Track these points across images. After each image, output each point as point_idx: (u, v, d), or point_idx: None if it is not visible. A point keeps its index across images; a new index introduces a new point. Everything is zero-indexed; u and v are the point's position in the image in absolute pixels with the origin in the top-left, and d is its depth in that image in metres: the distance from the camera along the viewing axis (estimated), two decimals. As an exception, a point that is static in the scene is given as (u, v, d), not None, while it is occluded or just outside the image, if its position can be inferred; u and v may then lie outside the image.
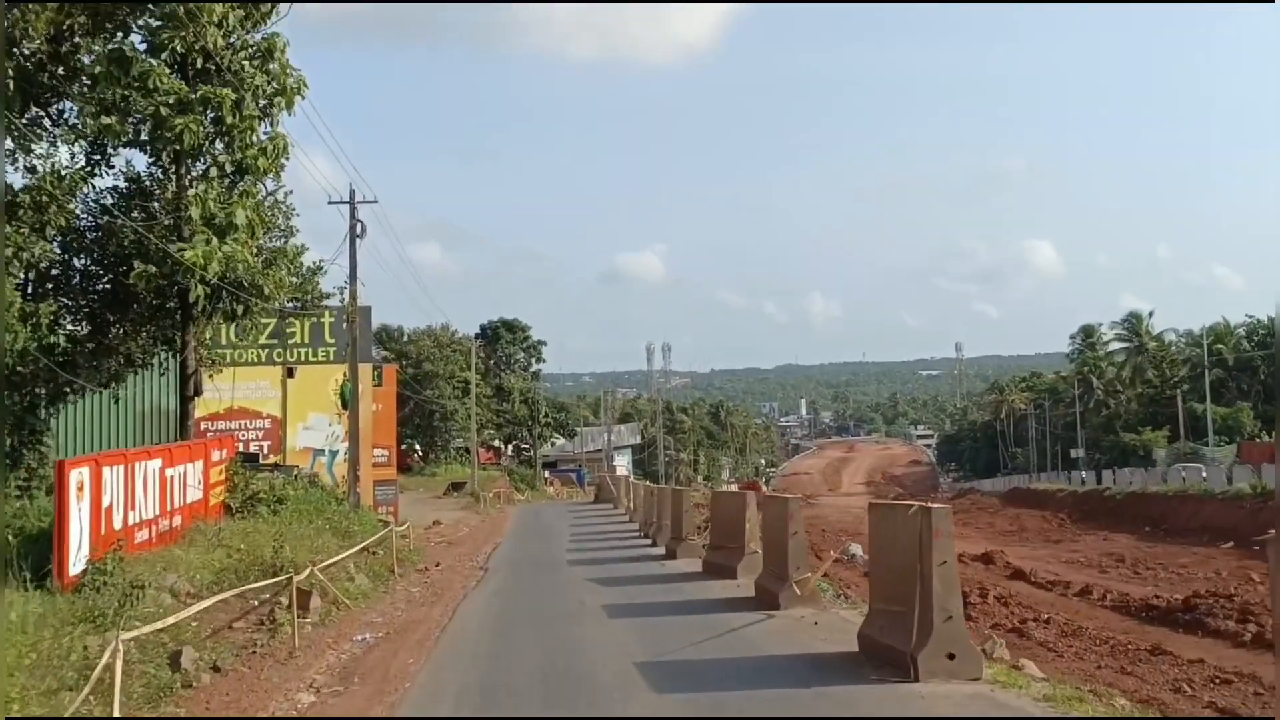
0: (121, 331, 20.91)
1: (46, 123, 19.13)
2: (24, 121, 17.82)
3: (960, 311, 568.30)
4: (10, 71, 16.85)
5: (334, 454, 40.41)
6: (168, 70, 19.12)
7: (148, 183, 20.83)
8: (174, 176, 20.39)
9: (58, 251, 19.65)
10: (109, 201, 20.03)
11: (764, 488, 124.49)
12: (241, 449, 28.48)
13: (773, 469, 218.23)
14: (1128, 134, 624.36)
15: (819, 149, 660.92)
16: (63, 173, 18.65)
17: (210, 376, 24.01)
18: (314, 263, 24.08)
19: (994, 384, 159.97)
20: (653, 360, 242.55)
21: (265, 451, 37.52)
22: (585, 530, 41.01)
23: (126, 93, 18.51)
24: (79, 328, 20.64)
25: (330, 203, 31.82)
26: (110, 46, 18.73)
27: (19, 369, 18.07)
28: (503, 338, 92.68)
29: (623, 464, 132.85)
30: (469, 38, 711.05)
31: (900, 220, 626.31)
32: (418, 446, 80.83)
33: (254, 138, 19.98)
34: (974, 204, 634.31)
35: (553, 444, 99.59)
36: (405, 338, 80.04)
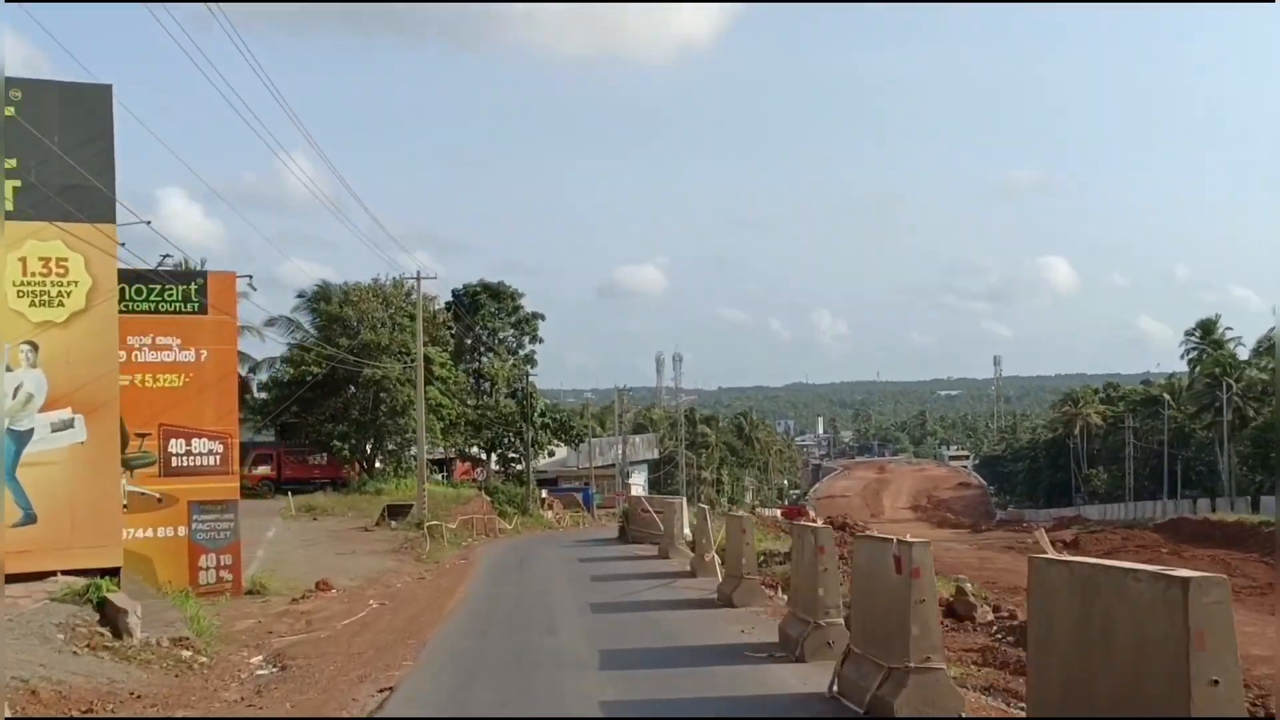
0: None
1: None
2: None
3: (971, 330, 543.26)
4: None
5: (19, 439, 16.44)
6: None
7: None
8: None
9: None
10: None
11: (811, 514, 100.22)
12: None
13: (796, 490, 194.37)
14: (1143, 148, 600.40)
15: (821, 157, 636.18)
16: None
17: None
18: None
19: (1067, 395, 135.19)
20: (663, 371, 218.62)
21: None
22: (619, 619, 17.16)
23: None
24: None
25: None
26: None
27: None
28: (484, 307, 68.43)
29: (639, 482, 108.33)
30: (450, 34, 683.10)
31: (907, 234, 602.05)
32: (362, 449, 56.53)
33: None
34: (983, 218, 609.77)
35: (550, 453, 75.08)
36: (342, 297, 55.90)
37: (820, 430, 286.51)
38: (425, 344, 51.53)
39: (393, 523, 40.49)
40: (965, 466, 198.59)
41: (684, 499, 36.49)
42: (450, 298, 69.28)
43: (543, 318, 72.08)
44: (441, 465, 67.92)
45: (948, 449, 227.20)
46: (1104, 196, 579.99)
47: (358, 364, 49.63)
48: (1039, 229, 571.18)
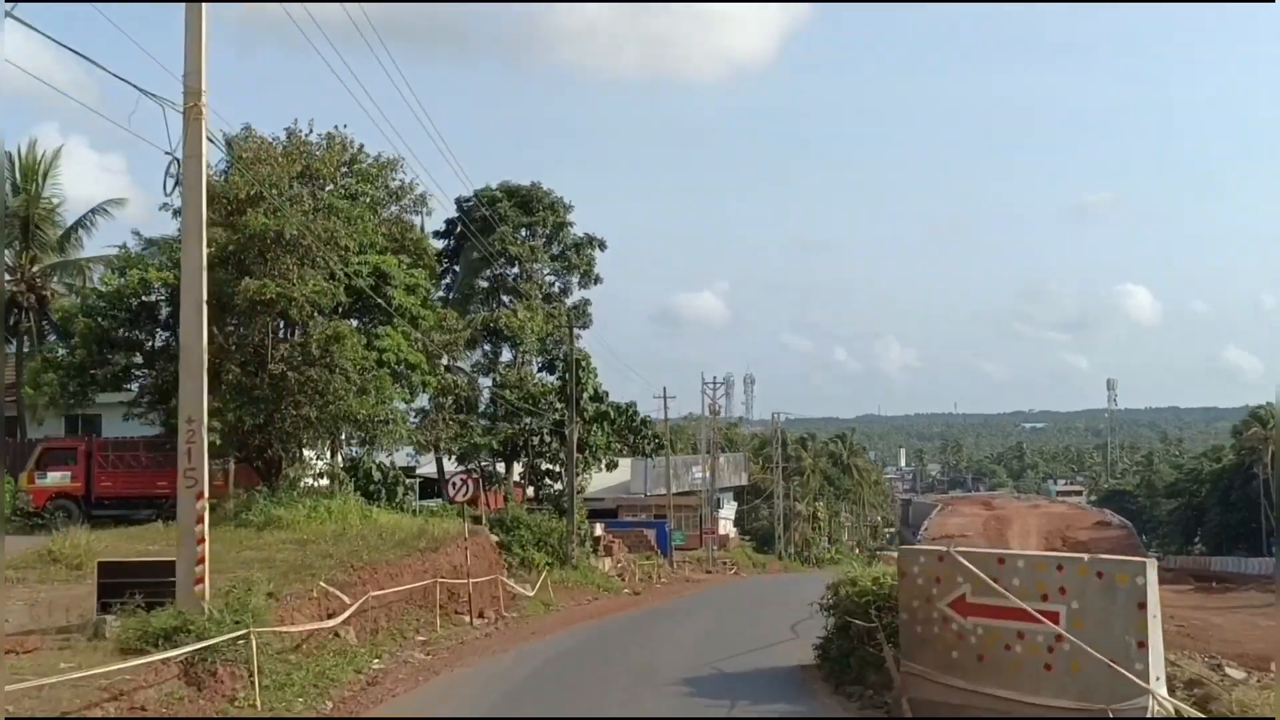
0: None
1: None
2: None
3: (1047, 361, 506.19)
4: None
5: None
6: None
7: None
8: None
9: None
10: None
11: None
12: None
13: (890, 529, 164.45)
14: (1222, 167, 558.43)
15: (888, 180, 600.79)
16: None
17: None
18: None
19: (1252, 413, 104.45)
20: (731, 394, 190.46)
21: None
22: None
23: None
24: None
25: None
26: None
27: None
28: (506, 223, 40.88)
29: (728, 515, 80.00)
30: (500, 49, 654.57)
31: (978, 260, 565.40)
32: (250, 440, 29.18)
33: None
34: (1058, 243, 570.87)
35: (610, 465, 46.43)
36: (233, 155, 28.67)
37: (903, 463, 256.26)
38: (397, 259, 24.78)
39: (110, 619, 13.17)
40: (1082, 503, 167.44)
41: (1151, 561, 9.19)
42: (451, 216, 41.95)
43: (602, 245, 44.46)
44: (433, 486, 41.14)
45: (1054, 483, 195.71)
46: (1182, 220, 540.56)
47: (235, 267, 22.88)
48: (1116, 254, 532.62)
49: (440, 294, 41.02)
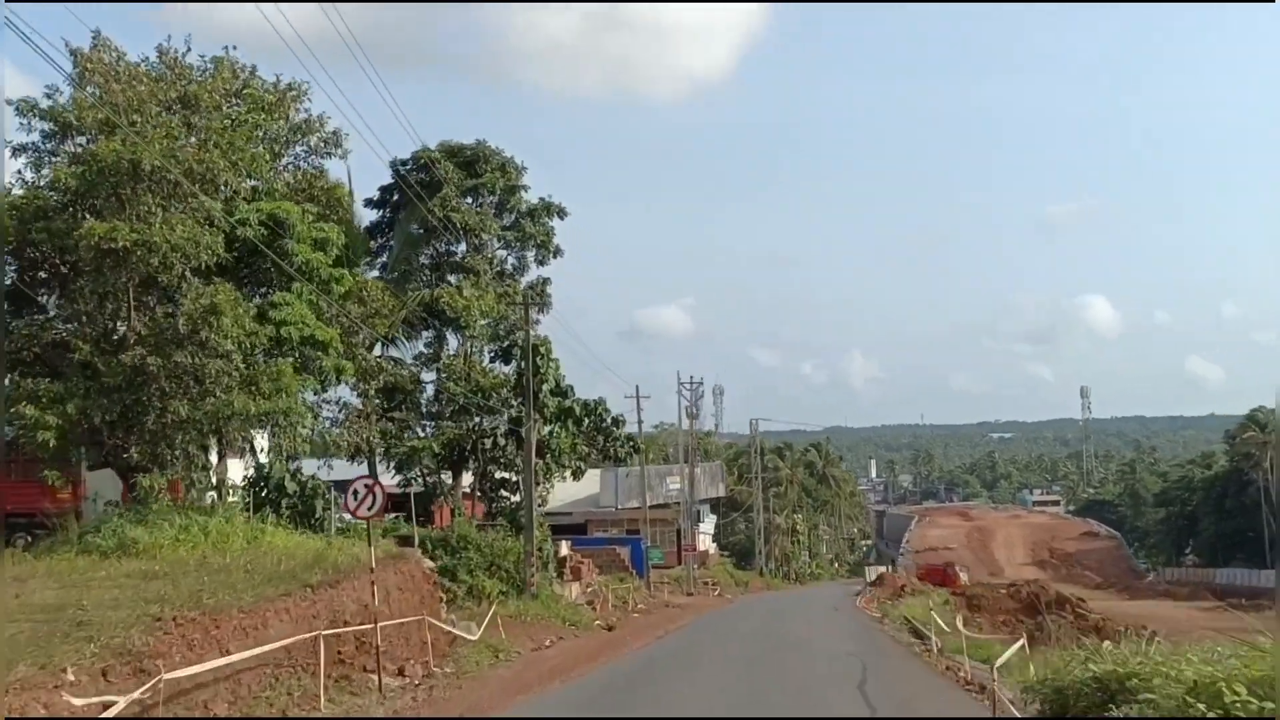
0: None
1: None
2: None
3: (1012, 372, 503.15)
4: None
5: None
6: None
7: None
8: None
9: None
10: None
11: (961, 577, 64.91)
12: None
13: (867, 541, 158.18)
14: (1183, 180, 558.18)
15: (848, 195, 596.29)
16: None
17: None
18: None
19: (1249, 416, 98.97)
20: (701, 406, 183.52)
21: None
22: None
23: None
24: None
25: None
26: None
27: None
28: (448, 187, 33.90)
29: (706, 530, 73.20)
30: (465, 68, 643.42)
31: (943, 274, 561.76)
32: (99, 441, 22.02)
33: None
34: (1021, 256, 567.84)
35: (575, 473, 38.42)
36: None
37: (874, 474, 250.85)
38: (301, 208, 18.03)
39: None
40: (1060, 513, 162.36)
41: None
42: (387, 181, 34.98)
43: (561, 212, 37.50)
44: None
45: (1029, 493, 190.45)
46: (1144, 232, 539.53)
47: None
48: (1079, 266, 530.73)
49: (375, 274, 34.14)
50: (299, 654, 15.13)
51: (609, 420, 36.81)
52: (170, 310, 20.48)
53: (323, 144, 25.26)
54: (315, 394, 25.06)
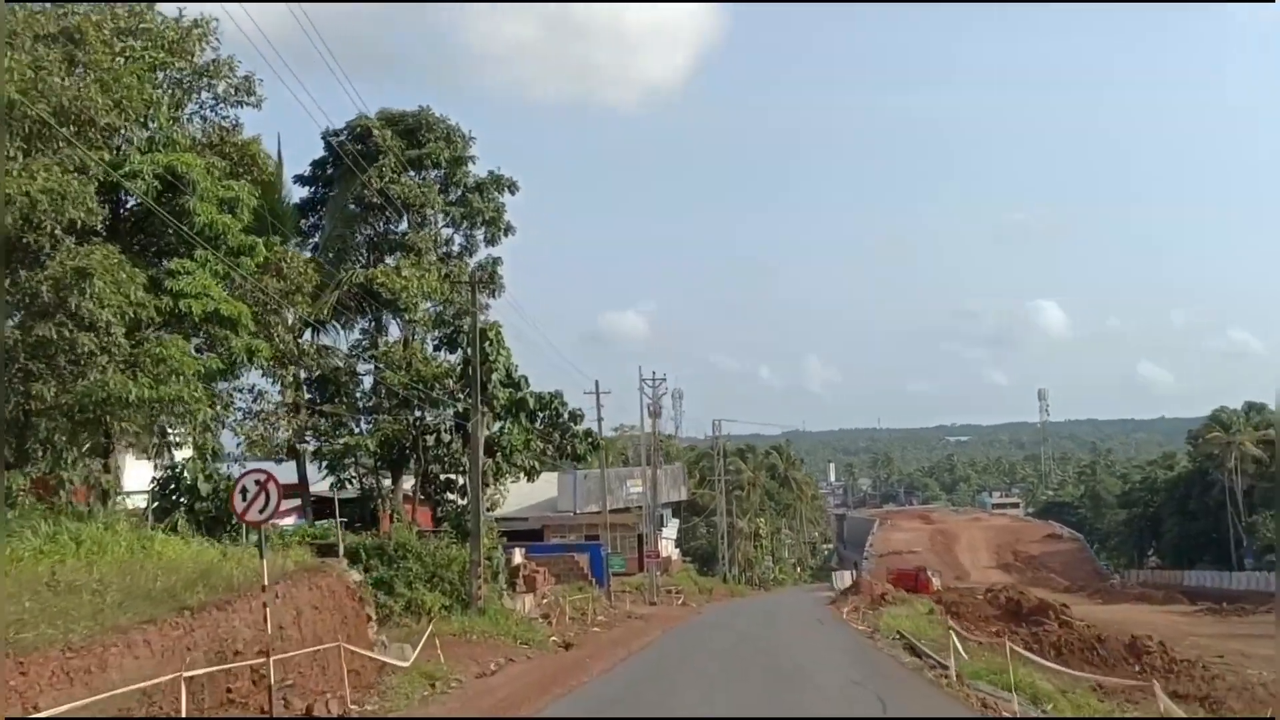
0: None
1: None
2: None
3: (968, 376, 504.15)
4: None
5: None
6: None
7: None
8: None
9: None
10: None
11: (934, 582, 62.13)
12: None
13: (828, 545, 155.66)
14: (1136, 188, 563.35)
15: (804, 201, 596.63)
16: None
17: None
18: None
19: (1213, 417, 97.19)
20: (651, 399, 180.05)
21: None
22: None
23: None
24: None
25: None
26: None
27: None
28: (385, 157, 30.26)
29: (669, 535, 69.83)
30: (427, 75, 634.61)
31: (898, 279, 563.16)
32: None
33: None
34: (977, 262, 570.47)
35: (528, 473, 34.57)
36: None
37: (833, 478, 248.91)
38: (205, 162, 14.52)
39: None
40: (1020, 516, 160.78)
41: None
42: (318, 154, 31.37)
43: (513, 186, 33.99)
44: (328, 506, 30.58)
45: (989, 495, 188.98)
46: (1095, 240, 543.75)
47: None
48: (1033, 273, 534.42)
49: (307, 255, 30.52)
50: (165, 698, 11.64)
51: (566, 415, 33.31)
52: (32, 275, 16.79)
53: (233, 91, 21.66)
54: (225, 380, 21.43)
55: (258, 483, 13.29)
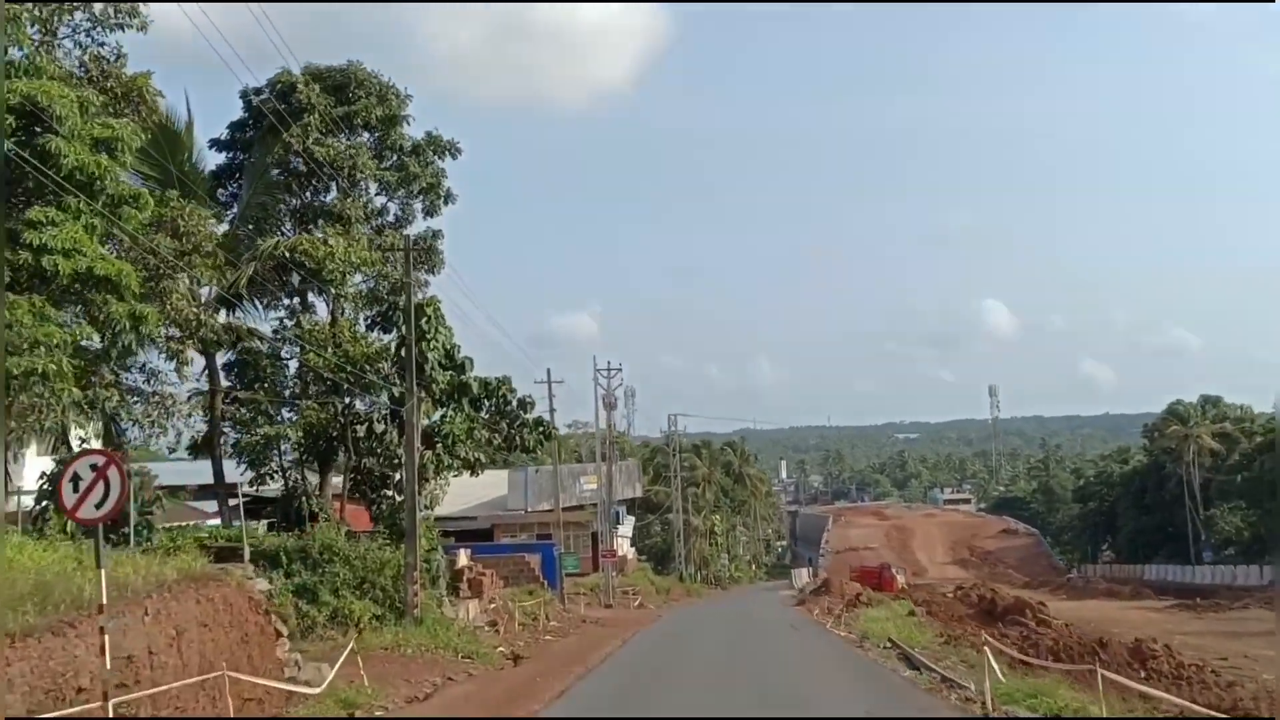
0: None
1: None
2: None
3: (914, 375, 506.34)
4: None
5: None
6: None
7: None
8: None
9: None
10: None
11: (899, 580, 59.65)
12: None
13: (782, 542, 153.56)
14: (1076, 188, 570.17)
15: (752, 204, 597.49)
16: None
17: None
18: None
19: (1170, 410, 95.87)
20: (606, 390, 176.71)
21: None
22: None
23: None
24: None
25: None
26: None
27: None
28: (312, 109, 26.82)
29: (624, 533, 66.71)
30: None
31: (845, 281, 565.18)
32: None
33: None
34: (922, 263, 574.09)
35: (471, 466, 31.12)
36: None
37: (784, 475, 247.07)
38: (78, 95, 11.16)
39: None
40: (971, 511, 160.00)
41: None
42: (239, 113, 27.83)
43: (454, 149, 30.65)
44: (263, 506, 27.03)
45: (940, 492, 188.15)
46: (1040, 240, 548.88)
47: None
48: (976, 273, 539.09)
49: (224, 228, 27.08)
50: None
51: (514, 402, 29.95)
52: None
53: (113, 13, 18.21)
54: (108, 356, 17.98)
55: (94, 468, 10.02)
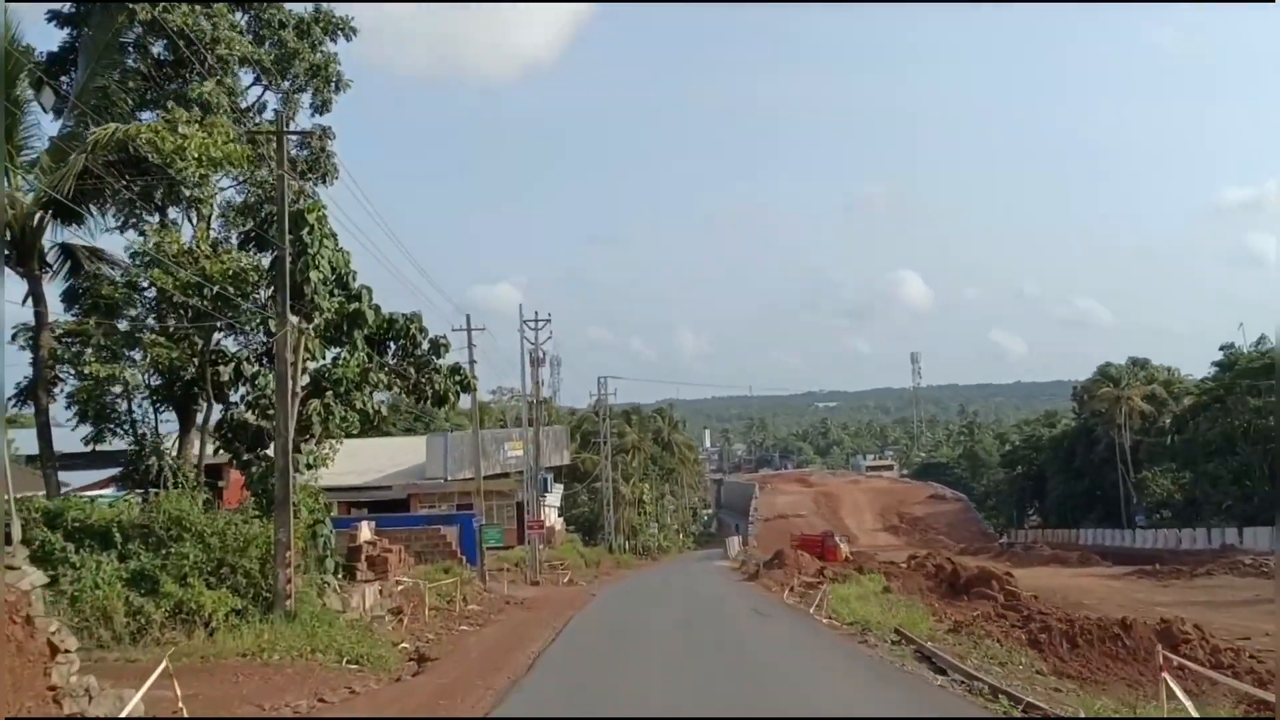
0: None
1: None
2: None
3: (832, 345, 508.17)
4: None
5: None
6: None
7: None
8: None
9: None
10: None
11: (844, 548, 55.45)
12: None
13: (709, 510, 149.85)
14: (987, 162, 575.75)
15: (670, 178, 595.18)
16: None
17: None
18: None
19: (1100, 373, 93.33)
20: (533, 345, 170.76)
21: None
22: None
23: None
24: None
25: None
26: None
27: None
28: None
29: (552, 502, 61.35)
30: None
31: (764, 253, 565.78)
32: None
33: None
34: (839, 234, 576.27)
35: (369, 418, 25.52)
36: None
37: (708, 444, 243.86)
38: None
39: None
40: (895, 477, 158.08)
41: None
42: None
43: (347, 29, 24.48)
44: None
45: (863, 458, 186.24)
46: (953, 212, 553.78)
47: None
48: (891, 245, 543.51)
49: (51, 119, 21.15)
50: None
51: (426, 344, 24.16)
52: None
53: None
54: None
55: None
